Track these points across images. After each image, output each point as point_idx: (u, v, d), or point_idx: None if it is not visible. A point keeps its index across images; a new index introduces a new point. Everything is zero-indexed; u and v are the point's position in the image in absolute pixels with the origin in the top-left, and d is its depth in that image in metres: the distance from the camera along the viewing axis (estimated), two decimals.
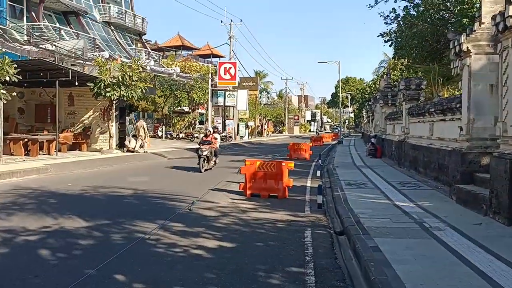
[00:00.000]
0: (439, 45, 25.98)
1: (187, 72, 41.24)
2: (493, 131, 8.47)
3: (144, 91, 21.94)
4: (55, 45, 24.45)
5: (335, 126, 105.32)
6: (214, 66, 45.66)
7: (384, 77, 29.09)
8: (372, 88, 58.88)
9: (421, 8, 24.84)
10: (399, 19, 26.64)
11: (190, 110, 45.06)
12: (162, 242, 6.38)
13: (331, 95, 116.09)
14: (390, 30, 28.46)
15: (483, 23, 8.95)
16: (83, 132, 22.43)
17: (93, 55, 25.01)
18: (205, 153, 15.86)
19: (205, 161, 15.94)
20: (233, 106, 42.97)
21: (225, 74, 39.88)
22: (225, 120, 43.02)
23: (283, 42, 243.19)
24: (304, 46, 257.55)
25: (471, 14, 19.50)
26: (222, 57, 56.52)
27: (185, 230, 7.14)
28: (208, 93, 39.73)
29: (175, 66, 38.33)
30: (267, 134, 60.49)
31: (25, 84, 22.05)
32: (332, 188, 11.80)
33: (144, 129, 23.29)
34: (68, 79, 19.20)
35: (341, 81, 54.83)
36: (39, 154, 18.77)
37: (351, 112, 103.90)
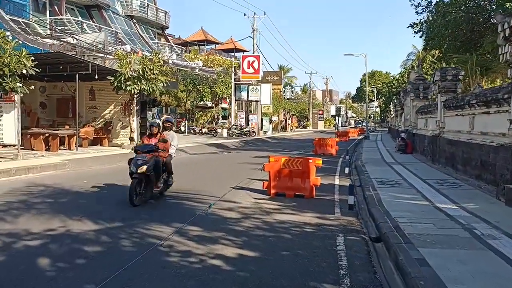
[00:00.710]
0: (473, 35, 24.59)
1: (210, 66, 40.69)
2: None
3: (165, 85, 21.42)
4: (76, 38, 24.12)
5: (359, 121, 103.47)
6: (237, 60, 44.98)
7: (415, 68, 27.76)
8: (400, 81, 57.09)
9: None
10: (432, 7, 25.34)
11: (213, 105, 44.54)
12: (177, 249, 5.68)
13: (356, 89, 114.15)
14: (420, 20, 27.20)
15: None
16: (104, 127, 22.07)
17: (115, 48, 24.62)
18: (140, 170, 8.30)
19: (141, 187, 8.42)
20: (256, 101, 42.21)
21: (248, 68, 39.15)
22: (248, 115, 42.30)
23: (307, 35, 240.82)
24: (329, 40, 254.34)
25: None
26: (245, 51, 55.68)
27: (203, 235, 6.43)
28: (231, 87, 39.09)
29: (198, 60, 37.83)
30: (291, 129, 59.51)
31: (46, 78, 21.90)
32: (362, 187, 10.90)
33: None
34: (88, 72, 18.80)
35: (367, 74, 53.26)
36: (60, 149, 18.46)
37: (377, 107, 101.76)
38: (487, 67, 19.14)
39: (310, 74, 79.64)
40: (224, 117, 43.51)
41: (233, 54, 56.65)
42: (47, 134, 18.41)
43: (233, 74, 39.56)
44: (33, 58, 14.45)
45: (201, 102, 43.10)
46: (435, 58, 35.84)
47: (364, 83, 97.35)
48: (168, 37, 44.86)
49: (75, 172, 13.37)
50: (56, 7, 29.92)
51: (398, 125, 37.95)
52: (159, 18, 41.21)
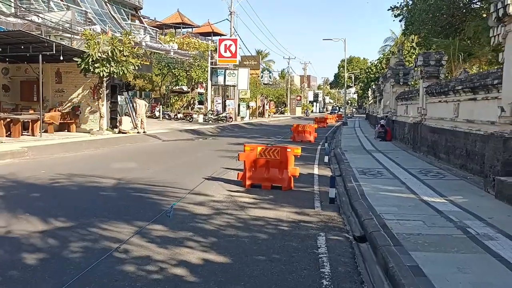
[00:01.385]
0: (454, 20, 24.17)
1: (186, 49, 39.36)
2: None
3: (137, 67, 20.33)
4: (41, 17, 22.64)
5: (336, 107, 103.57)
6: (214, 44, 43.76)
7: (396, 53, 27.27)
8: (378, 67, 56.85)
9: None
10: None
11: (188, 90, 43.37)
12: (135, 255, 4.91)
13: (334, 75, 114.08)
14: (401, 4, 26.62)
15: None
16: (72, 112, 20.90)
17: (84, 29, 23.22)
18: None
19: None
20: (233, 86, 41.18)
21: (225, 51, 38.02)
22: (225, 100, 41.30)
23: (286, 20, 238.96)
24: (307, 25, 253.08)
25: None
26: (223, 35, 54.26)
27: (167, 236, 5.67)
28: (207, 72, 38.00)
29: (173, 43, 36.47)
30: (269, 115, 58.76)
31: (8, 60, 20.52)
32: (343, 178, 10.28)
33: (145, 106, 22.42)
34: (53, 53, 17.57)
35: (346, 60, 52.72)
36: (23, 135, 17.32)
37: (354, 93, 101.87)
38: (470, 52, 18.70)
39: (288, 59, 78.62)
40: (200, 102, 42.42)
41: (210, 37, 55.21)
42: (8, 119, 17.21)
43: (209, 57, 38.41)
44: None
45: (177, 87, 41.88)
46: (414, 43, 35.45)
47: (341, 69, 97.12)
48: (143, 18, 43.13)
49: (35, 161, 12.34)
50: None
51: (376, 112, 37.68)
52: None
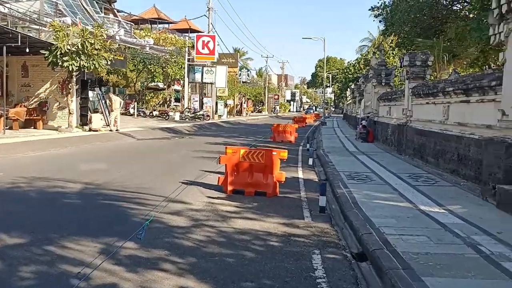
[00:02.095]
0: (434, 22, 23.98)
1: (162, 45, 38.20)
2: None
3: (109, 62, 19.23)
4: (7, 6, 21.27)
5: (312, 106, 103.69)
6: (191, 40, 42.67)
7: (377, 53, 26.93)
8: (356, 67, 56.79)
9: None
10: None
11: (165, 87, 42.19)
12: (98, 283, 4.07)
13: (311, 75, 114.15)
14: (382, 4, 26.29)
15: None
16: (39, 107, 19.66)
17: (53, 20, 21.94)
18: None
19: None
20: (211, 83, 40.20)
21: (203, 48, 37.07)
22: (202, 98, 40.28)
23: (264, 19, 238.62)
24: (285, 25, 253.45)
25: None
26: (200, 32, 53.08)
27: (138, 255, 4.85)
28: (184, 69, 36.95)
29: (149, 38, 35.26)
30: (247, 114, 57.99)
31: None
32: (331, 183, 9.60)
33: (120, 103, 21.41)
34: (18, 45, 16.36)
35: (325, 59, 52.41)
36: None
37: (331, 93, 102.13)
38: (454, 53, 18.42)
39: (267, 57, 78.22)
40: (177, 100, 41.31)
41: (187, 34, 53.92)
42: None
43: (186, 54, 37.36)
44: None
45: (152, 83, 40.67)
46: (393, 44, 35.28)
47: (319, 68, 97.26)
48: (117, 12, 41.67)
49: None
50: None
51: (356, 112, 37.39)
52: None
